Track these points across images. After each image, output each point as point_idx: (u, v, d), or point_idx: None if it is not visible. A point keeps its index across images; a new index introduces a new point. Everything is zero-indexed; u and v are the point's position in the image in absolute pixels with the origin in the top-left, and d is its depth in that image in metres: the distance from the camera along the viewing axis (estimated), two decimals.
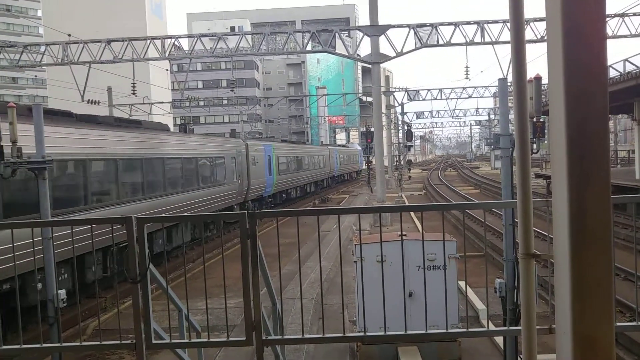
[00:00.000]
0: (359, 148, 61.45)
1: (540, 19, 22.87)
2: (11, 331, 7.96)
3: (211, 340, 4.27)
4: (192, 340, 4.54)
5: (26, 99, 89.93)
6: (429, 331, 4.21)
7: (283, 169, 30.85)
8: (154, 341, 3.99)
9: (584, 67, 1.93)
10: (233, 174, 21.22)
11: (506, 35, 22.71)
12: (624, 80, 20.41)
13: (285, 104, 64.87)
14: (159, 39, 25.55)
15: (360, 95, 76.55)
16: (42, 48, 26.75)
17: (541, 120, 5.52)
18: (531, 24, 23.08)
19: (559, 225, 2.04)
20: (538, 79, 5.21)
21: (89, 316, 10.74)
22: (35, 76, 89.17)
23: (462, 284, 9.44)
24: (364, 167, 54.98)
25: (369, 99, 56.46)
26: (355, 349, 7.53)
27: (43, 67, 42.78)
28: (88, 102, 28.82)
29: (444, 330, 4.32)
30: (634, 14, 23.18)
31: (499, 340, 7.76)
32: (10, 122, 6.75)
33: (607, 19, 22.53)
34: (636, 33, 23.20)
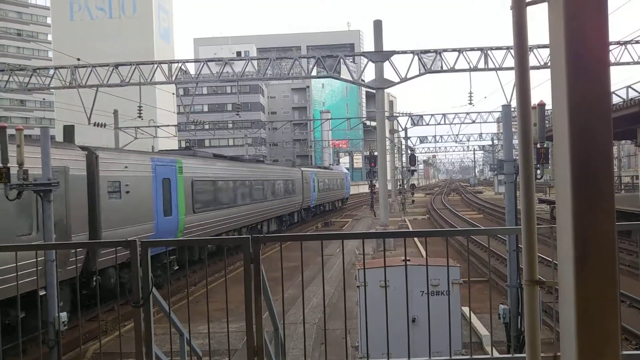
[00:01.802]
0: (345, 171, 56.92)
1: (544, 46, 23.07)
2: (11, 354, 7.91)
3: None
4: None
5: (33, 122, 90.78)
6: (432, 358, 4.16)
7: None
8: None
9: (588, 93, 1.94)
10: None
11: (510, 62, 22.91)
12: (627, 106, 20.48)
13: (289, 128, 65.31)
14: (166, 63, 25.86)
15: (364, 119, 77.00)
16: (51, 71, 27.10)
17: (545, 146, 5.54)
18: (535, 50, 23.29)
19: (564, 252, 2.03)
20: (542, 105, 5.25)
21: (89, 339, 10.65)
22: (44, 99, 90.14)
23: (465, 309, 9.35)
24: (351, 194, 52.44)
25: (373, 124, 56.74)
26: None
27: (51, 91, 43.27)
28: (95, 124, 29.07)
29: (448, 358, 4.27)
30: (637, 42, 23.38)
31: None
32: (17, 145, 6.81)
33: (610, 46, 22.74)
34: (639, 60, 23.36)
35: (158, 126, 39.49)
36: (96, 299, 7.67)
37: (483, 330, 9.72)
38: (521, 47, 2.80)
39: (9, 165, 6.76)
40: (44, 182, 6.87)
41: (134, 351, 3.93)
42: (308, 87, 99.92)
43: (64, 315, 6.40)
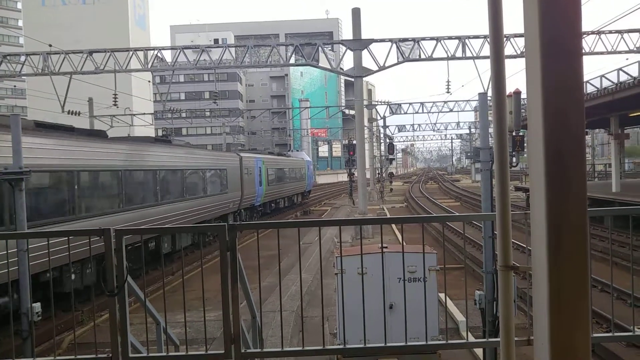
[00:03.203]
0: (307, 158, 48.12)
1: (520, 35, 23.27)
2: None
3: (189, 353, 4.21)
4: (170, 354, 4.47)
5: (5, 109, 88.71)
6: (408, 343, 4.20)
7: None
8: (131, 355, 3.92)
9: (561, 82, 1.96)
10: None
11: (487, 50, 23.07)
12: (600, 95, 20.83)
13: (268, 117, 64.97)
14: (142, 50, 25.44)
15: (343, 108, 76.98)
16: (22, 58, 26.46)
17: (520, 134, 5.60)
18: (511, 39, 23.48)
19: (537, 238, 2.06)
20: (517, 93, 5.30)
21: (64, 329, 10.53)
22: (15, 86, 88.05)
23: (442, 295, 9.47)
24: (313, 186, 43.88)
25: (352, 112, 56.82)
26: None
27: (23, 77, 42.33)
28: (68, 112, 28.52)
29: (424, 342, 4.32)
30: (610, 32, 23.73)
31: (479, 352, 7.78)
32: None
33: (584, 36, 23.04)
34: (612, 50, 23.73)
35: (134, 114, 38.95)
36: (71, 288, 7.59)
37: (459, 316, 9.86)
38: (496, 36, 2.82)
39: None
40: (15, 171, 6.72)
41: (110, 341, 3.90)
42: (286, 75, 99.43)
43: (37, 306, 6.29)
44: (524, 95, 5.38)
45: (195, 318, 7.95)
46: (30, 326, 5.93)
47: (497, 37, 2.78)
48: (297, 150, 53.49)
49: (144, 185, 15.57)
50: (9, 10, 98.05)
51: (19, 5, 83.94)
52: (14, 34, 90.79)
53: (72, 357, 4.02)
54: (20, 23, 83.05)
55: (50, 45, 25.76)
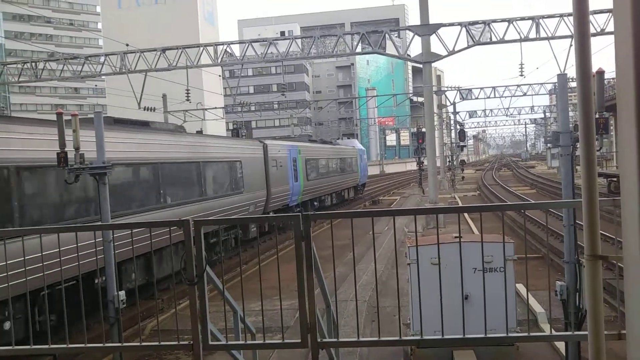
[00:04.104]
0: (359, 146, 41.01)
1: (601, 11, 21.97)
2: (75, 330, 8.30)
3: (267, 342, 4.30)
4: (248, 342, 4.59)
5: (87, 108, 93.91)
6: (488, 335, 4.09)
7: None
8: (210, 342, 4.05)
9: None
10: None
11: (563, 30, 21.99)
12: None
13: (334, 107, 65.05)
14: (211, 45, 26.11)
15: (410, 95, 75.86)
16: (102, 59, 27.87)
17: (604, 116, 5.29)
18: (591, 16, 22.22)
19: (629, 225, 1.94)
20: (600, 73, 5.00)
21: (147, 317, 11.05)
22: (96, 85, 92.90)
23: (519, 286, 9.16)
24: (364, 179, 37.76)
25: (420, 99, 55.88)
26: (409, 352, 7.42)
27: (103, 77, 44.56)
28: (144, 109, 29.80)
29: (504, 335, 4.19)
30: None
31: (559, 345, 7.47)
32: (74, 130, 7.04)
33: None
34: None
35: (205, 109, 40.12)
36: (154, 277, 7.99)
37: (538, 307, 9.51)
38: (581, 11, 2.66)
39: (66, 149, 7.01)
40: (99, 166, 7.09)
41: (190, 328, 4.04)
42: (352, 64, 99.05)
43: (122, 294, 6.64)
44: (607, 76, 5.06)
45: (270, 307, 8.10)
46: (117, 313, 6.26)
47: (582, 12, 2.62)
48: (348, 138, 46.04)
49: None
50: (89, 14, 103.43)
51: (98, 9, 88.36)
52: (94, 36, 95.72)
53: (157, 343, 4.21)
54: (99, 26, 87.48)
55: (126, 45, 26.97)
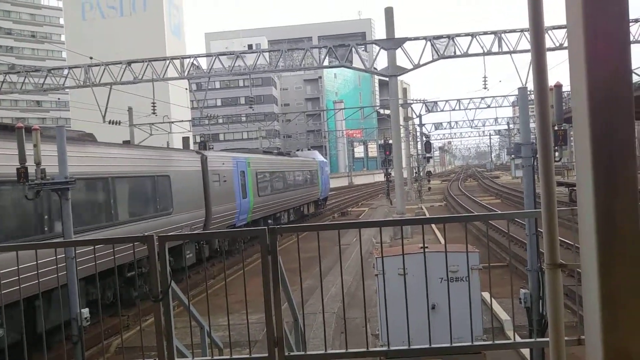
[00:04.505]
0: (321, 158, 38.28)
1: (559, 27, 22.69)
2: (36, 350, 8.05)
3: (234, 357, 4.25)
4: (215, 358, 4.52)
5: (50, 122, 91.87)
6: (454, 344, 4.13)
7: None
8: (176, 359, 3.98)
9: (608, 72, 1.89)
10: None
11: (524, 44, 22.57)
12: None
13: (303, 119, 65.30)
14: (178, 58, 25.93)
15: (377, 108, 76.68)
16: (65, 71, 27.35)
17: (562, 128, 5.45)
18: (550, 31, 22.92)
19: (586, 234, 1.99)
20: (559, 86, 5.16)
21: (112, 334, 10.80)
22: (59, 99, 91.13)
23: (485, 294, 9.30)
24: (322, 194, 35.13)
25: (387, 112, 56.47)
26: None
27: (66, 90, 43.73)
28: (110, 122, 29.33)
29: (470, 343, 4.24)
30: None
31: (525, 351, 7.60)
32: (34, 145, 6.87)
33: (632, 23, 22.28)
34: None
35: (172, 122, 39.72)
36: (117, 295, 7.76)
37: (503, 315, 9.66)
38: (537, 27, 2.74)
39: (27, 165, 6.83)
40: (61, 181, 6.93)
41: (155, 345, 3.97)
42: (320, 77, 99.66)
43: (86, 312, 6.48)
44: (565, 89, 5.23)
45: (238, 321, 8.03)
46: (80, 331, 6.10)
47: (537, 28, 2.70)
48: (308, 150, 41.55)
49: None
50: (52, 26, 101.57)
51: (61, 21, 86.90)
52: (57, 49, 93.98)
53: None
54: (62, 38, 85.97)
55: (91, 58, 26.56)
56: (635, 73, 23.09)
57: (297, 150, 39.76)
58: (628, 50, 1.88)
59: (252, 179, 21.70)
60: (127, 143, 16.62)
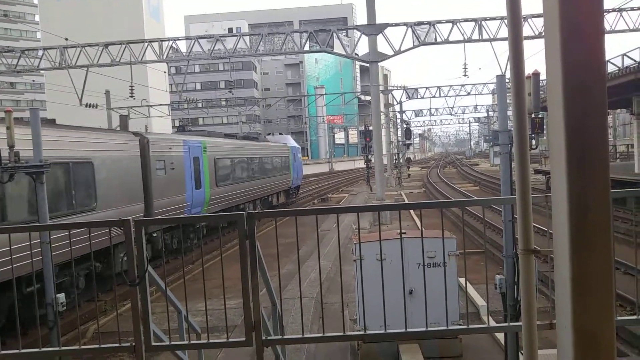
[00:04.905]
0: (293, 144, 35.20)
1: (539, 15, 22.87)
2: (11, 336, 7.95)
3: (211, 341, 4.26)
4: (192, 342, 4.53)
5: (24, 104, 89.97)
6: (429, 328, 4.19)
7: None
8: (153, 343, 3.97)
9: (582, 61, 1.91)
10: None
11: (504, 32, 22.70)
12: (622, 74, 20.41)
13: (283, 104, 64.95)
14: (157, 41, 25.53)
15: (358, 94, 76.64)
16: (40, 52, 26.75)
17: (540, 116, 5.51)
18: (529, 20, 23.08)
19: (559, 221, 2.03)
20: (536, 74, 5.20)
21: (89, 319, 10.72)
22: (33, 81, 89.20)
23: (462, 280, 9.44)
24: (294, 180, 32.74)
25: (368, 98, 56.47)
26: (356, 348, 7.51)
27: (41, 72, 42.83)
28: (86, 105, 28.83)
29: (445, 328, 4.31)
30: (632, 9, 23.19)
31: (500, 336, 7.75)
32: (7, 127, 6.74)
33: (605, 13, 22.50)
34: (634, 27, 23.21)
35: (151, 106, 39.24)
36: (93, 280, 7.66)
37: (480, 301, 9.82)
38: (515, 17, 2.76)
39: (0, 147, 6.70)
40: (36, 164, 6.82)
41: (132, 330, 3.95)
42: (301, 62, 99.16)
43: (62, 297, 6.42)
44: (543, 77, 5.29)
45: (216, 306, 8.03)
46: (55, 316, 6.04)
47: (515, 17, 2.72)
48: (280, 134, 38.08)
49: None
50: (26, 6, 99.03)
51: (35, 1, 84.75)
52: (31, 29, 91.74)
53: (97, 345, 4.10)
54: (37, 18, 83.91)
55: (66, 39, 26.01)
56: (611, 63, 23.43)
57: (268, 134, 36.95)
58: (602, 40, 1.91)
59: (209, 166, 19.10)
60: (51, 122, 12.70)
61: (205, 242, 19.17)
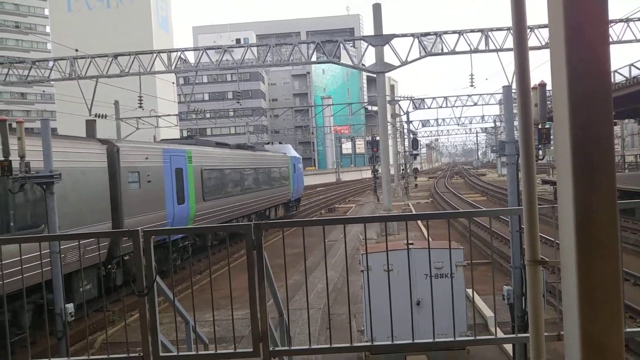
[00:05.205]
0: (293, 153, 33.30)
1: (545, 26, 22.86)
2: (20, 345, 7.98)
3: (218, 352, 4.26)
4: (199, 353, 4.53)
5: (34, 114, 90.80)
6: (436, 340, 4.18)
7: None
8: (161, 354, 3.98)
9: (588, 72, 1.92)
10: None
11: (510, 42, 22.70)
12: (629, 85, 20.35)
13: (291, 115, 65.14)
14: (165, 52, 25.75)
15: (365, 104, 76.79)
16: (50, 64, 27.03)
17: (546, 126, 5.51)
18: (535, 30, 23.09)
19: (565, 232, 2.03)
20: (542, 85, 5.21)
21: (97, 329, 10.75)
22: (44, 91, 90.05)
23: (469, 291, 9.39)
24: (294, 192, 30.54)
25: (375, 108, 56.56)
26: (363, 359, 7.48)
27: (51, 83, 43.26)
28: (96, 116, 29.05)
29: (452, 339, 4.29)
30: (639, 19, 23.13)
31: (508, 347, 7.69)
32: (18, 138, 6.81)
33: (612, 24, 22.51)
34: None
35: (159, 116, 39.46)
36: (103, 290, 7.70)
37: (488, 312, 9.76)
38: (520, 27, 2.78)
39: (10, 158, 6.77)
40: (46, 175, 6.88)
41: (140, 340, 3.97)
42: (308, 73, 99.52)
43: (70, 307, 6.44)
44: (549, 87, 5.30)
45: (224, 317, 8.03)
46: (64, 326, 6.07)
47: (520, 28, 2.74)
48: (280, 143, 36.02)
49: None
50: (37, 17, 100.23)
51: (46, 12, 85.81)
52: (42, 40, 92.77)
53: (105, 356, 4.11)
54: (47, 29, 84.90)
55: (76, 50, 26.27)
56: (619, 73, 23.38)
57: (267, 143, 34.97)
58: (607, 50, 1.92)
59: (195, 178, 17.11)
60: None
61: (213, 253, 19.17)
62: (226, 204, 19.79)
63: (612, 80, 22.49)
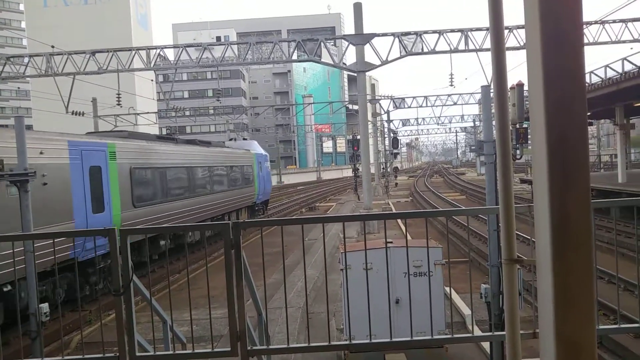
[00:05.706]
0: (258, 151, 29.16)
1: (523, 26, 23.13)
2: None
3: (196, 351, 4.22)
4: (177, 352, 4.49)
5: (9, 111, 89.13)
6: (414, 338, 4.20)
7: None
8: (138, 353, 3.94)
9: (563, 73, 1.94)
10: None
11: (490, 43, 22.94)
12: (605, 86, 20.71)
13: (271, 113, 64.95)
14: (144, 49, 25.46)
15: (346, 103, 76.87)
16: (26, 60, 26.55)
17: (524, 126, 5.58)
18: (514, 31, 23.36)
19: (541, 230, 2.05)
20: (520, 85, 5.28)
21: (73, 329, 10.59)
22: (19, 88, 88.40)
23: (448, 289, 9.47)
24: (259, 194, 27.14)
25: (355, 107, 56.69)
26: (342, 357, 7.50)
27: (27, 79, 42.49)
28: (72, 113, 28.61)
29: (430, 337, 4.32)
30: (614, 21, 23.56)
31: (486, 345, 7.78)
32: None
33: (588, 25, 22.88)
34: (616, 39, 23.57)
35: (138, 113, 39.02)
36: (77, 289, 7.59)
37: (466, 310, 9.85)
38: (497, 27, 2.80)
39: None
40: (21, 172, 6.76)
41: (117, 340, 3.92)
42: (289, 71, 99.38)
43: (45, 307, 6.33)
44: (527, 87, 5.36)
45: (202, 316, 7.97)
46: (38, 326, 5.96)
47: (497, 28, 2.76)
48: (245, 139, 32.11)
49: None
50: (12, 12, 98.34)
51: (22, 7, 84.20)
52: (17, 36, 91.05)
53: (80, 356, 4.05)
54: (23, 25, 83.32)
55: (52, 47, 25.83)
56: (595, 74, 23.78)
57: (230, 139, 31.36)
58: (582, 51, 1.94)
59: (121, 180, 13.68)
60: None
61: (192, 252, 19.04)
62: (168, 211, 16.41)
63: (589, 81, 22.87)
